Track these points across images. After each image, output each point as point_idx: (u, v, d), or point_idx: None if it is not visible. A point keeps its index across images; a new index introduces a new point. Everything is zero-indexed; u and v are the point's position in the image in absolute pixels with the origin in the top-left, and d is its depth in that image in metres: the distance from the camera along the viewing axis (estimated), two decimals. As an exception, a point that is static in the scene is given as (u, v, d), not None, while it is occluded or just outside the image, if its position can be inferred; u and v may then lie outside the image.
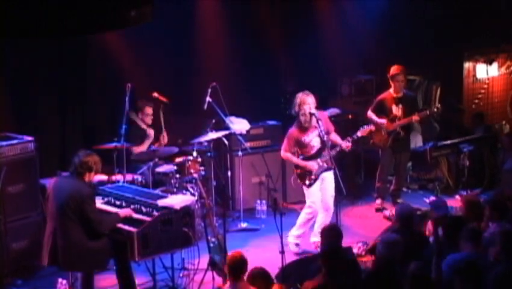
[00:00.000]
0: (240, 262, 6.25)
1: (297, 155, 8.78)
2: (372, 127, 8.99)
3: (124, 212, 7.37)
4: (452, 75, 11.96)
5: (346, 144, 8.62)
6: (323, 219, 8.70)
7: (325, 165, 8.64)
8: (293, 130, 8.71)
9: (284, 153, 8.78)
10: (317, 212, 8.67)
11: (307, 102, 8.49)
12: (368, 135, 9.03)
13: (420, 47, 11.88)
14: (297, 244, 8.78)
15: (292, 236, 8.83)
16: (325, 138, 8.53)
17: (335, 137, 8.76)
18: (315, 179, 8.65)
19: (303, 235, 8.81)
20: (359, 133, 8.78)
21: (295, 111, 8.60)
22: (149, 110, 9.89)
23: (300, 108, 8.54)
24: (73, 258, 6.92)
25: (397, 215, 7.21)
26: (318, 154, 8.67)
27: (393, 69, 9.98)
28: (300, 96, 8.56)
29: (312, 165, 8.63)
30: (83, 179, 7.03)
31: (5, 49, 9.21)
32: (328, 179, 8.66)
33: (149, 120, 9.91)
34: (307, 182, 8.67)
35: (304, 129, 8.60)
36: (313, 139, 8.65)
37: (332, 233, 6.61)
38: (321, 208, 8.71)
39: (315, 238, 8.73)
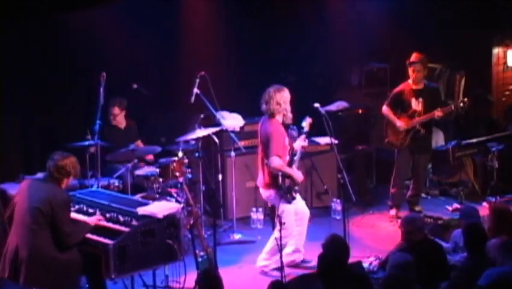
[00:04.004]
0: (215, 282, 6.29)
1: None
2: (310, 120, 8.69)
3: (93, 219, 7.39)
4: (479, 63, 11.98)
5: (302, 144, 8.60)
6: (301, 230, 8.67)
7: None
8: (280, 126, 8.51)
9: (278, 160, 8.33)
10: (291, 235, 8.59)
11: (286, 98, 8.49)
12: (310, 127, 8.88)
13: (441, 29, 11.87)
14: (275, 269, 8.59)
15: (262, 266, 8.70)
16: (290, 141, 8.59)
17: None
18: (297, 190, 8.59)
19: (275, 262, 8.45)
20: (305, 128, 8.64)
21: (271, 109, 8.47)
22: (113, 110, 9.97)
23: (284, 106, 8.48)
24: (38, 271, 6.91)
25: (405, 232, 7.21)
26: (292, 160, 8.59)
27: (411, 57, 10.00)
28: (276, 93, 8.48)
29: (301, 177, 8.55)
30: (59, 185, 7.05)
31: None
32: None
33: (113, 119, 9.99)
34: (294, 195, 8.53)
35: (286, 130, 8.63)
36: (287, 142, 8.62)
37: (334, 246, 6.58)
38: (297, 220, 8.63)
39: (292, 257, 8.67)
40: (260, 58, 11.65)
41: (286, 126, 8.61)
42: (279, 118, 8.50)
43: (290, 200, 8.48)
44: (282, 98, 8.48)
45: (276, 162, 8.33)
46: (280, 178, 8.43)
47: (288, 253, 8.63)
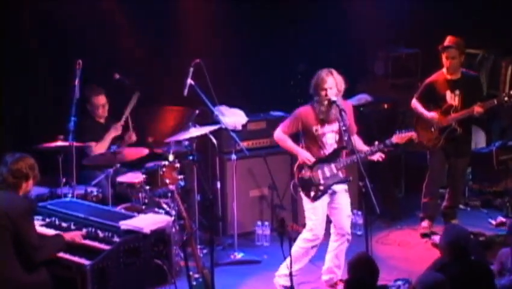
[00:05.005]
0: None
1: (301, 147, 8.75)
2: (414, 134, 8.85)
3: (71, 235, 7.38)
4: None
5: (378, 156, 8.60)
6: (337, 248, 8.74)
7: (340, 174, 8.63)
8: (305, 110, 8.62)
9: (280, 133, 8.68)
10: (319, 240, 8.65)
11: (324, 84, 8.46)
12: (408, 141, 8.92)
13: (482, 8, 11.84)
14: (286, 288, 8.66)
15: (281, 275, 8.72)
16: (346, 137, 8.49)
17: (356, 141, 8.71)
18: (324, 192, 8.62)
19: (299, 272, 8.64)
20: (393, 140, 8.65)
21: (312, 94, 8.57)
22: (100, 100, 9.94)
23: (316, 92, 8.52)
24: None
25: (446, 242, 7.20)
26: (332, 157, 8.63)
27: (445, 41, 9.97)
28: (318, 75, 8.50)
29: (308, 156, 8.55)
30: (18, 192, 7.04)
31: None
32: (341, 193, 8.69)
33: (101, 112, 9.97)
34: (311, 194, 8.62)
35: (320, 120, 8.60)
36: (328, 134, 8.61)
37: (362, 267, 6.59)
38: (335, 234, 8.74)
39: (327, 276, 8.82)
40: (267, 44, 11.64)
41: (323, 121, 8.57)
42: (315, 106, 8.51)
43: (310, 197, 8.58)
44: (319, 81, 8.45)
45: (276, 133, 8.76)
46: (296, 168, 8.64)
47: (323, 269, 8.82)
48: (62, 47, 10.26)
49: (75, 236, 7.41)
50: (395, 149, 11.07)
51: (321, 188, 8.57)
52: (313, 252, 8.65)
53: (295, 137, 8.74)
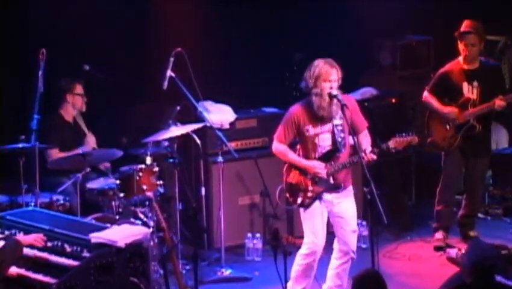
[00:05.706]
0: None
1: (298, 153, 8.68)
2: (415, 138, 8.78)
3: (28, 238, 7.34)
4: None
5: (369, 156, 8.47)
6: (339, 267, 8.71)
7: (331, 180, 8.59)
8: (296, 109, 8.57)
9: (278, 145, 8.62)
10: (316, 253, 8.61)
11: (329, 76, 8.40)
12: (407, 146, 8.84)
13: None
14: None
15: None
16: (340, 138, 8.50)
17: (363, 140, 8.67)
18: (313, 198, 8.58)
19: None
20: (391, 144, 8.55)
21: (307, 86, 8.51)
22: (80, 88, 9.98)
23: (316, 83, 8.44)
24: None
25: (469, 262, 7.17)
26: (323, 161, 8.56)
27: (462, 26, 9.95)
28: (320, 66, 8.44)
29: (318, 168, 8.47)
30: None
31: None
32: (343, 203, 8.64)
33: (80, 102, 10.00)
34: (299, 200, 8.59)
35: (315, 117, 8.57)
36: (321, 135, 8.54)
37: (368, 283, 6.57)
38: (337, 250, 8.71)
39: None
40: (258, 31, 11.65)
41: (321, 119, 8.50)
42: (314, 100, 8.41)
43: (297, 203, 8.57)
44: (322, 72, 8.35)
45: (274, 146, 8.66)
46: (285, 171, 8.64)
47: (323, 288, 8.79)
48: (24, 35, 10.24)
49: (35, 241, 7.36)
50: (405, 150, 11.10)
51: (310, 194, 8.53)
52: (312, 271, 8.61)
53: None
